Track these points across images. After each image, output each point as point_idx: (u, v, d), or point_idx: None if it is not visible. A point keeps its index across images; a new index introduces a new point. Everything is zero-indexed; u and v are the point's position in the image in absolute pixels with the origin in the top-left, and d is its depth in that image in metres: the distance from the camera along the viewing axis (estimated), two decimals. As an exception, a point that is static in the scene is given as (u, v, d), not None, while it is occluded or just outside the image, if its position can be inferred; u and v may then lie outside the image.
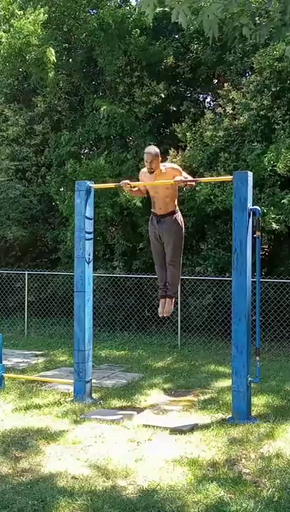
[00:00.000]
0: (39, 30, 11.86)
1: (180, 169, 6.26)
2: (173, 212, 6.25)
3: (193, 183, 6.80)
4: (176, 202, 6.33)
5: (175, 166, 6.43)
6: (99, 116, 12.02)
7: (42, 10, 11.90)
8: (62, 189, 12.26)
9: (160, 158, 6.11)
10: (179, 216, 6.30)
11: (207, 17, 3.98)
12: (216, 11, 4.00)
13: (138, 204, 10.92)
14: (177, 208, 6.33)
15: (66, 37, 12.90)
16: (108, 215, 11.29)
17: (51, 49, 11.83)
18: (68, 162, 12.05)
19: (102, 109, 11.68)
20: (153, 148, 6.12)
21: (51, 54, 11.76)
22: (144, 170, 6.20)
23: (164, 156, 10.96)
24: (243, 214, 5.77)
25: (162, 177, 6.07)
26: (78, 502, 3.85)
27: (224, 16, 4.23)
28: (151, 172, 6.07)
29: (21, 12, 12.10)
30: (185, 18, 4.05)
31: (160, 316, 6.52)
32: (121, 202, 11.12)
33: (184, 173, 6.21)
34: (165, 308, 6.37)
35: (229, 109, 10.65)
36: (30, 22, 11.74)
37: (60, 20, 12.71)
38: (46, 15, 11.89)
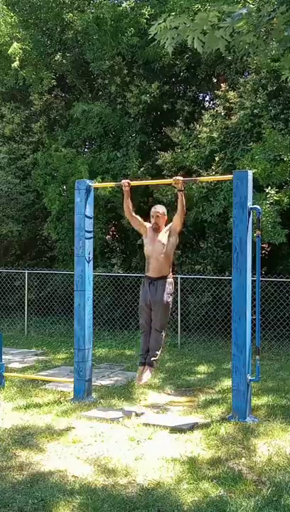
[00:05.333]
0: (6, 29, 11.92)
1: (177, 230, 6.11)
2: (166, 277, 6.10)
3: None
4: (170, 268, 6.22)
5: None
6: (88, 116, 12.07)
7: (10, 12, 12.07)
8: (47, 184, 12.30)
9: (166, 218, 6.13)
10: (171, 284, 6.13)
11: (216, 38, 4.18)
12: (224, 33, 4.18)
13: (118, 195, 10.99)
14: (171, 274, 6.19)
15: (58, 37, 12.87)
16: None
17: (16, 44, 11.87)
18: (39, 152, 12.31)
19: (76, 110, 11.79)
20: (161, 208, 6.15)
21: (14, 48, 11.82)
22: (150, 225, 6.20)
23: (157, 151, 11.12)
24: (243, 213, 5.78)
25: (161, 234, 6.07)
26: (78, 501, 3.85)
27: (231, 35, 4.36)
28: (155, 229, 6.09)
29: None
30: (200, 44, 4.29)
31: (137, 384, 6.32)
32: (101, 195, 11.14)
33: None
34: (143, 375, 6.03)
35: (223, 109, 10.63)
36: None
37: (44, 21, 12.71)
38: (14, 16, 12.04)
